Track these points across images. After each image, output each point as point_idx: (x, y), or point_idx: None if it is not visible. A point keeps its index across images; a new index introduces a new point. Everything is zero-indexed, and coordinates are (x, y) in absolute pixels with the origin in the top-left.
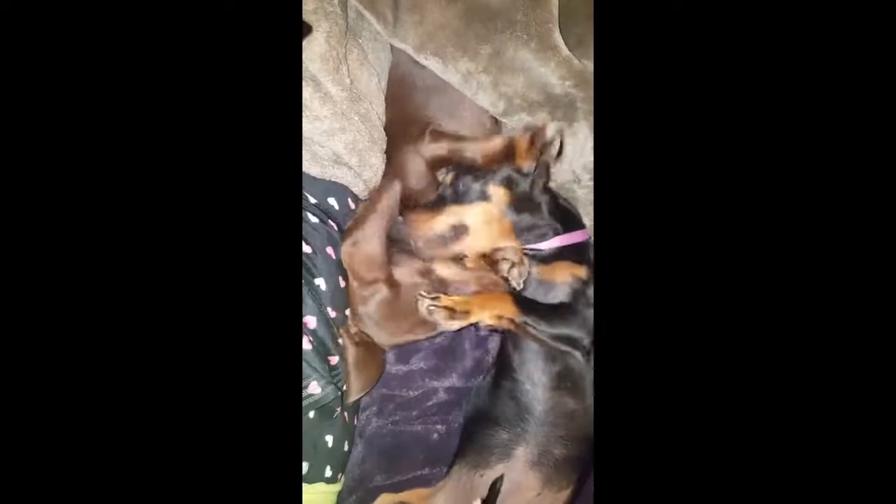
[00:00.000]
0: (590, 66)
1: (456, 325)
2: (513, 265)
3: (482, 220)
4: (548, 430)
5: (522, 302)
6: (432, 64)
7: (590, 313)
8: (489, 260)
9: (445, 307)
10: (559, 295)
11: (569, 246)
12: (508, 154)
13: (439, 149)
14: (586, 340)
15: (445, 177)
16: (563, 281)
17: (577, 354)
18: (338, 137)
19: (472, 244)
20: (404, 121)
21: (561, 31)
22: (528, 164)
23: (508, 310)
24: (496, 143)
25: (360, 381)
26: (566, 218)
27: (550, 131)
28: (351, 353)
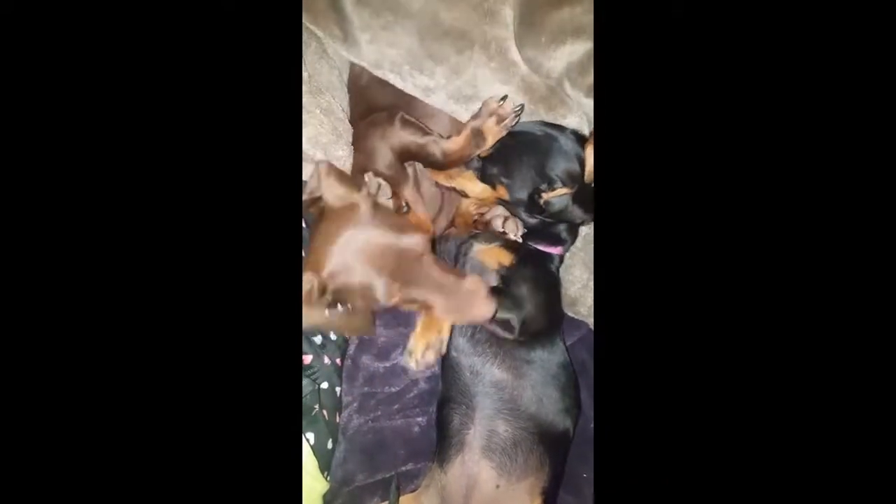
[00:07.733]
0: (552, 72)
1: (432, 356)
2: (506, 219)
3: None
4: (484, 402)
5: None
6: (391, 78)
7: (519, 292)
8: (480, 222)
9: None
10: (491, 280)
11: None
12: (478, 142)
13: (408, 139)
14: (515, 321)
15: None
16: (492, 268)
17: (507, 335)
18: None
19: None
20: (370, 108)
21: (523, 41)
22: (492, 141)
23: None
24: (459, 139)
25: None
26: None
27: (509, 105)
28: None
